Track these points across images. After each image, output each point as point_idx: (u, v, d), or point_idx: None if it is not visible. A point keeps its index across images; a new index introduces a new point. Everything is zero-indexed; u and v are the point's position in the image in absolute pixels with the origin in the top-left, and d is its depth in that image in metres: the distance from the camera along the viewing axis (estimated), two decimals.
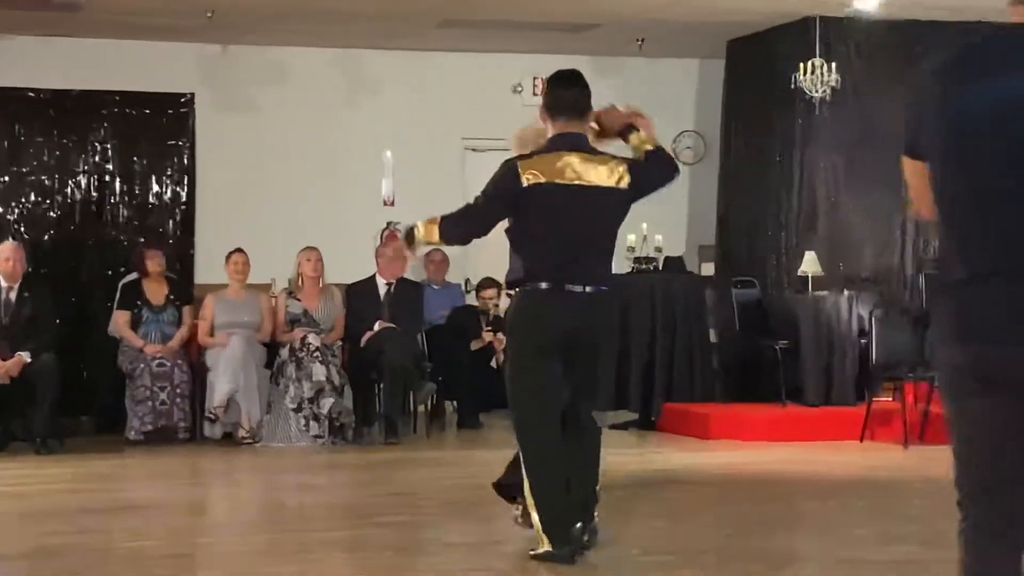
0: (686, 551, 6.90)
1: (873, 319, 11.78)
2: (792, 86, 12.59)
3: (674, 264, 13.52)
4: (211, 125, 14.14)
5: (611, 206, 6.53)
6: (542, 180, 6.43)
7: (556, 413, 6.53)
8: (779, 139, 13.59)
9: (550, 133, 6.62)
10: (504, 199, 6.50)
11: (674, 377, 12.74)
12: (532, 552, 6.55)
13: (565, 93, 6.66)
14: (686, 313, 12.85)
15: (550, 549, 6.47)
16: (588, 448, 6.65)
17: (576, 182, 6.45)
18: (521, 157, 6.58)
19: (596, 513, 6.70)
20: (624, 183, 6.52)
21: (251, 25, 13.31)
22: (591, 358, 6.55)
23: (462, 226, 6.64)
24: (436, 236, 6.65)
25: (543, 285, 6.44)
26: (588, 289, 6.45)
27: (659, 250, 13.36)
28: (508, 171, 6.50)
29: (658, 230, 13.40)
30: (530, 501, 6.52)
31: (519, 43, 14.25)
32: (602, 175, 6.50)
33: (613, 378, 6.86)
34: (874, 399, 11.87)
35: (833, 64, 12.55)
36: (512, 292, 6.65)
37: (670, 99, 14.99)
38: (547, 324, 6.45)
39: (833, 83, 12.49)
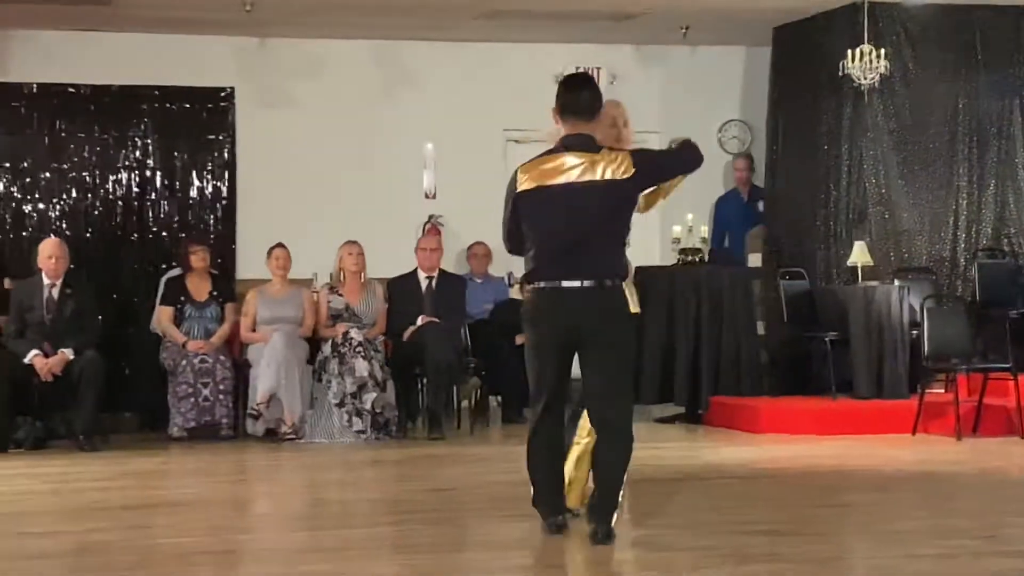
0: (735, 545, 6.78)
1: (925, 310, 11.59)
2: (840, 73, 12.40)
3: (720, 255, 13.36)
4: (251, 119, 14.09)
5: (611, 200, 6.67)
6: (531, 186, 6.71)
7: (555, 407, 6.78)
8: (827, 128, 13.40)
9: (561, 134, 6.86)
10: (509, 204, 6.83)
11: (721, 370, 12.60)
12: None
13: (571, 95, 6.83)
14: (733, 305, 12.70)
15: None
16: (604, 449, 6.71)
17: (567, 181, 6.66)
18: (528, 162, 6.85)
19: (615, 518, 6.71)
20: (625, 174, 6.65)
21: (289, 18, 13.24)
22: (600, 355, 6.65)
23: (506, 241, 6.95)
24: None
25: (541, 284, 6.71)
26: (587, 284, 6.62)
27: (705, 241, 13.21)
28: (511, 177, 6.84)
29: (704, 220, 13.27)
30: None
31: (561, 33, 14.12)
32: (601, 171, 6.65)
33: (629, 375, 6.76)
34: (926, 391, 11.67)
35: (882, 51, 12.35)
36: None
37: (715, 88, 14.84)
38: (546, 322, 6.69)
39: (882, 70, 12.29)
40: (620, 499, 6.78)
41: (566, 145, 6.74)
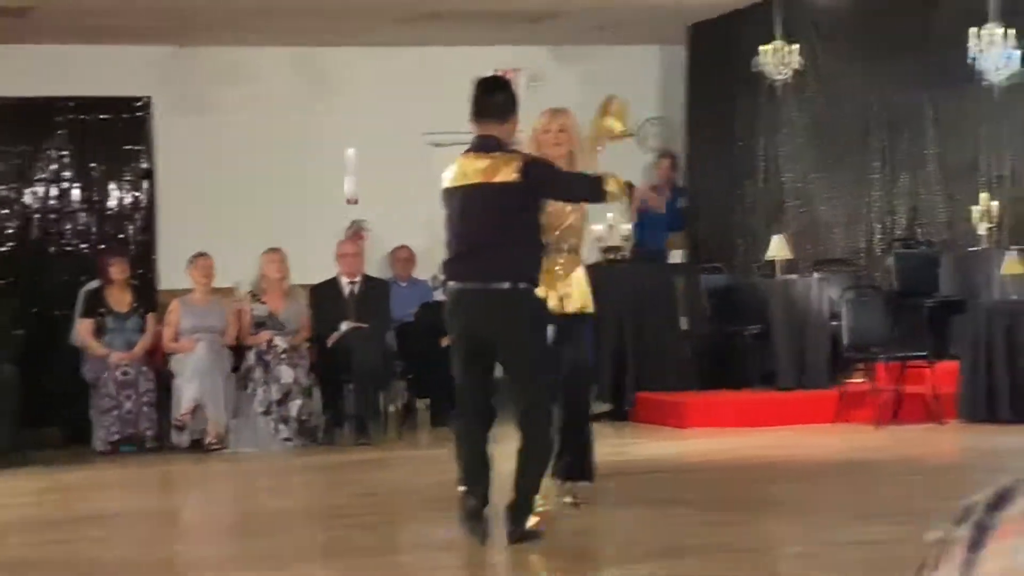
0: (667, 539, 6.83)
1: (843, 301, 11.72)
2: (754, 69, 12.52)
3: (642, 252, 13.43)
4: (169, 128, 14.01)
5: (500, 202, 6.71)
6: (446, 185, 6.88)
7: (469, 406, 6.83)
8: (743, 123, 13.53)
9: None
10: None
11: (646, 366, 12.67)
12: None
13: (479, 98, 6.95)
14: (656, 301, 12.77)
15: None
16: (519, 452, 6.71)
17: (466, 183, 6.77)
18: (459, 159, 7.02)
19: (528, 521, 6.70)
20: (512, 177, 6.69)
21: (206, 25, 13.18)
22: (505, 358, 6.76)
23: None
24: None
25: (451, 284, 6.84)
26: (483, 286, 6.68)
27: (627, 239, 13.27)
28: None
29: (626, 219, 13.30)
30: None
31: (480, 36, 14.15)
32: (495, 172, 6.72)
33: (538, 378, 6.77)
34: (846, 381, 11.81)
35: (795, 46, 12.49)
36: None
37: (633, 86, 14.86)
38: (457, 322, 6.81)
39: (795, 65, 12.42)
40: (537, 500, 6.75)
41: (474, 147, 6.87)
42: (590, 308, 7.46)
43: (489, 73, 14.38)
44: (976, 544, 0.65)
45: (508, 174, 6.67)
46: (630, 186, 7.02)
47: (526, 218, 6.77)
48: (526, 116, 15.06)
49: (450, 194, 6.85)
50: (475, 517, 6.73)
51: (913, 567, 0.75)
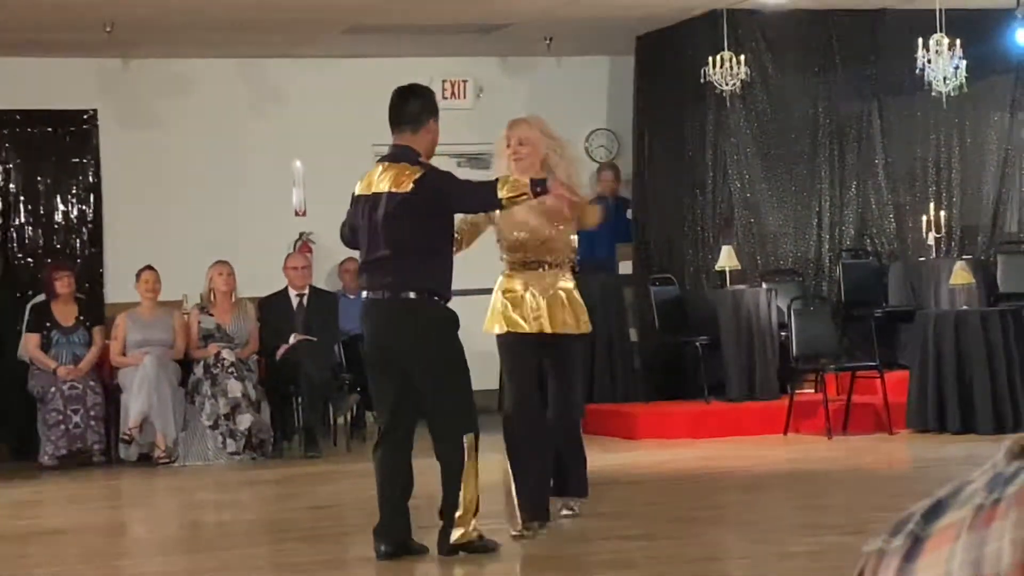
0: (614, 550, 6.82)
1: (792, 311, 11.76)
2: (702, 80, 12.55)
3: (591, 263, 13.43)
4: (115, 141, 13.92)
5: (400, 212, 6.61)
6: (356, 193, 6.87)
7: (394, 427, 6.70)
8: (691, 134, 13.55)
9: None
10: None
11: (596, 378, 12.67)
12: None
13: (393, 106, 6.91)
14: (605, 312, 12.77)
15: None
16: (441, 468, 6.66)
17: (372, 192, 6.74)
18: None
19: (453, 535, 6.61)
20: (408, 188, 6.61)
21: (151, 38, 13.10)
22: (416, 371, 6.60)
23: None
24: None
25: (364, 294, 6.82)
26: (387, 295, 6.61)
27: (575, 251, 13.25)
28: None
29: (572, 231, 13.30)
30: None
31: (427, 47, 14.13)
32: (397, 183, 6.66)
33: (449, 389, 6.65)
34: (796, 392, 11.84)
35: (742, 57, 12.53)
36: None
37: (581, 98, 14.93)
38: (369, 333, 6.77)
39: (743, 76, 12.46)
40: (461, 514, 6.59)
41: (386, 156, 6.85)
42: (578, 328, 7.28)
43: (437, 84, 14.42)
44: (911, 554, 0.64)
45: (406, 186, 6.62)
46: (539, 184, 6.57)
47: (427, 230, 6.63)
48: (474, 127, 15.14)
49: (356, 203, 6.84)
50: (395, 557, 6.65)
51: None
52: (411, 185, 6.60)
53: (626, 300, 13.25)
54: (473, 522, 6.63)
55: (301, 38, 13.49)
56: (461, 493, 6.56)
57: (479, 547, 6.67)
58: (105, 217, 13.92)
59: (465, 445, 6.57)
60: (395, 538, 6.70)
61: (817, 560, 6.39)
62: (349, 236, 6.99)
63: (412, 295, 6.56)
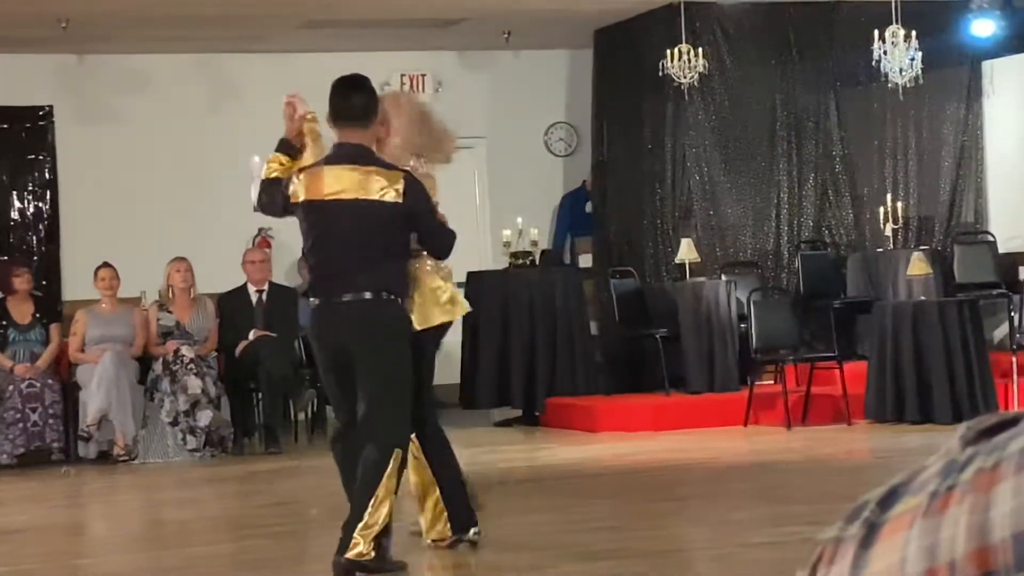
0: (579, 544, 6.83)
1: (751, 303, 11.79)
2: (660, 73, 12.57)
3: (551, 257, 13.47)
4: (72, 137, 13.84)
5: (379, 219, 6.24)
6: (302, 199, 6.30)
7: (343, 426, 6.41)
8: (650, 127, 13.58)
9: (335, 140, 6.45)
10: (279, 190, 6.41)
11: (557, 371, 12.68)
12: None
13: (342, 100, 6.43)
14: (565, 306, 12.79)
15: None
16: (361, 473, 6.20)
17: (338, 197, 6.24)
18: (308, 167, 6.40)
19: (351, 551, 6.18)
20: (392, 197, 6.22)
21: (107, 33, 13.03)
22: (363, 373, 6.22)
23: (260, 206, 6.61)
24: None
25: (314, 301, 6.38)
26: (348, 298, 6.21)
27: (535, 243, 13.30)
28: (288, 177, 6.40)
29: (534, 223, 13.35)
30: None
31: (385, 41, 14.10)
32: (370, 188, 6.23)
33: (400, 396, 6.30)
34: (756, 383, 11.89)
35: (700, 49, 12.56)
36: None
37: (540, 92, 14.94)
38: (320, 340, 6.37)
39: (701, 68, 12.49)
40: (365, 528, 6.14)
41: (339, 156, 6.33)
42: (422, 323, 6.63)
43: (396, 79, 14.40)
44: (867, 542, 0.64)
45: (389, 193, 6.21)
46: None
47: (401, 238, 6.35)
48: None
49: (315, 208, 6.29)
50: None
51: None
52: (399, 197, 6.20)
53: (586, 293, 13.27)
54: (374, 542, 6.13)
55: (258, 33, 13.44)
56: (371, 506, 6.12)
57: (376, 568, 6.19)
58: (62, 214, 13.85)
59: (392, 459, 6.18)
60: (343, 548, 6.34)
61: (779, 550, 6.42)
62: (267, 203, 6.49)
63: (370, 295, 6.22)
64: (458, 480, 6.72)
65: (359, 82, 6.58)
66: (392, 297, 6.32)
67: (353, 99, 6.41)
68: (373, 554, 6.09)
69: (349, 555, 6.10)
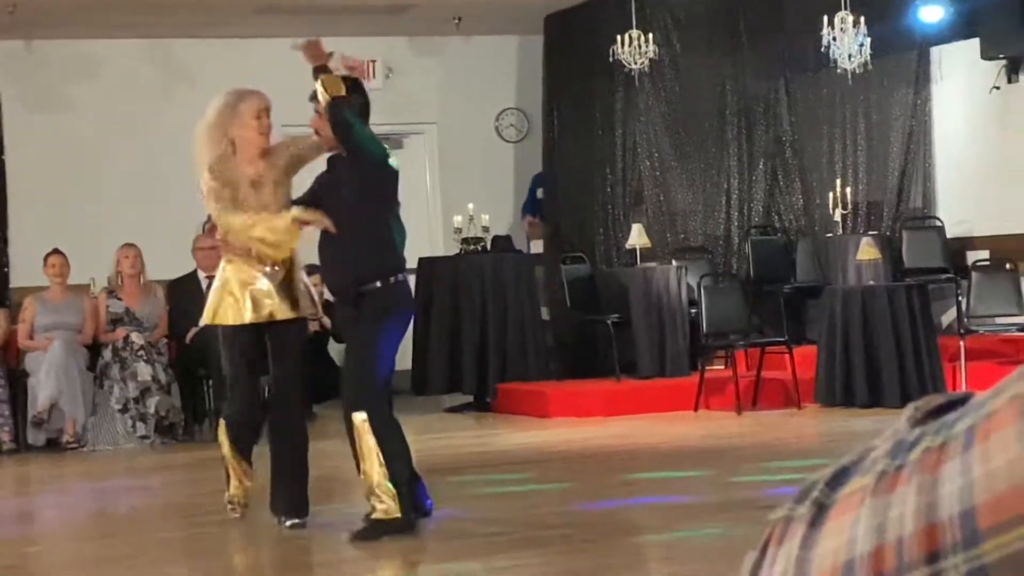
0: (530, 529, 6.84)
1: (702, 288, 11.84)
2: (611, 59, 12.58)
3: (502, 243, 13.47)
4: (20, 123, 13.74)
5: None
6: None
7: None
8: (601, 113, 13.60)
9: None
10: None
11: (508, 357, 12.70)
12: None
13: None
14: (517, 292, 12.80)
15: None
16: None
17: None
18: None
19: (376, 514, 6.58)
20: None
21: (56, 19, 12.93)
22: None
23: None
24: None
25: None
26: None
27: (486, 229, 13.29)
28: None
29: (485, 209, 13.34)
30: None
31: (337, 27, 14.03)
32: None
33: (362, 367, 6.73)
34: (706, 368, 11.93)
35: (650, 35, 12.57)
36: None
37: (491, 77, 14.93)
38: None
39: (651, 54, 12.50)
40: (372, 491, 6.64)
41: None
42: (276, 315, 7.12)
43: (335, 61, 14.31)
44: (816, 521, 0.65)
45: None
46: None
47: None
48: (383, 108, 15.01)
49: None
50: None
51: None
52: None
53: (537, 279, 13.28)
54: (387, 498, 6.56)
55: (211, 18, 13.38)
56: (364, 467, 6.57)
57: (394, 527, 6.59)
58: (10, 200, 13.74)
59: (356, 423, 6.55)
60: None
61: (731, 534, 6.45)
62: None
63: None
64: (296, 465, 6.92)
65: None
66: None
67: None
68: (394, 510, 6.55)
69: (374, 516, 6.55)
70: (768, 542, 0.68)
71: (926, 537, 0.61)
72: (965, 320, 11.71)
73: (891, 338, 11.03)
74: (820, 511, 0.66)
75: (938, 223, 12.85)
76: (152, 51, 14.09)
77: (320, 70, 6.75)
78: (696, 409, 11.70)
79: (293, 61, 14.71)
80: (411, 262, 13.17)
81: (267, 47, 14.34)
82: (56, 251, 12.14)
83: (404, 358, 13.14)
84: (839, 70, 11.85)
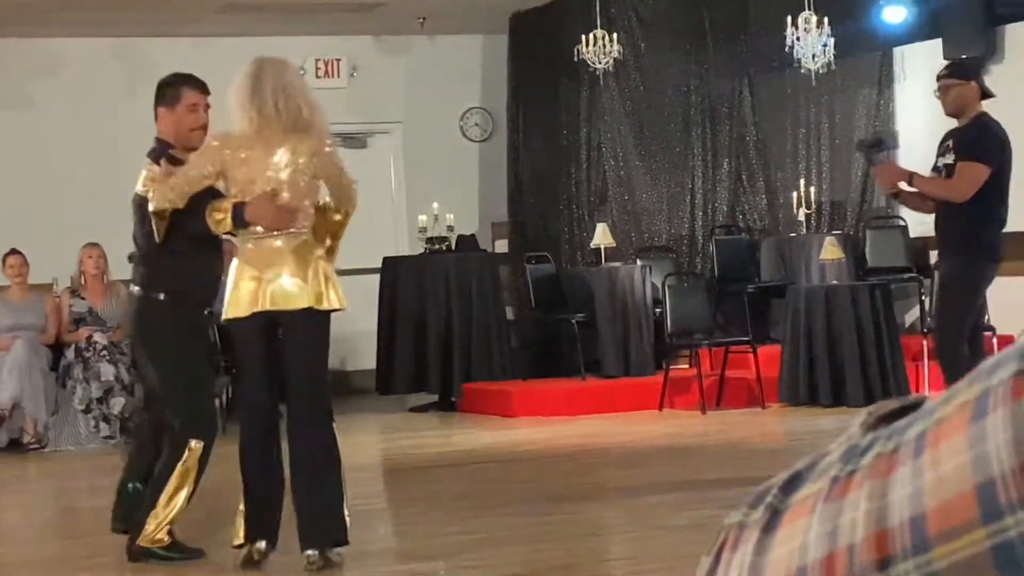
0: (494, 527, 6.84)
1: (666, 287, 11.86)
2: (576, 58, 12.59)
3: (467, 243, 13.47)
4: None
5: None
6: None
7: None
8: (565, 112, 13.61)
9: None
10: None
11: (473, 356, 12.69)
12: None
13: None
14: (481, 291, 12.80)
15: None
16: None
17: None
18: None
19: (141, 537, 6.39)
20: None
21: (21, 16, 12.86)
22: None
23: None
24: None
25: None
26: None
27: (451, 229, 13.29)
28: None
29: (449, 209, 13.33)
30: None
31: (302, 26, 14.03)
32: None
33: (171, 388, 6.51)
34: (671, 367, 11.95)
35: (615, 35, 12.59)
36: None
37: (456, 76, 14.92)
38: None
39: (616, 54, 12.52)
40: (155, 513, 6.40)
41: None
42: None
43: (310, 62, 14.31)
44: (769, 526, 0.65)
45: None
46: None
47: (137, 225, 6.98)
48: (348, 107, 15.02)
49: None
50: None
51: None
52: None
53: (502, 278, 13.28)
54: (165, 527, 6.33)
55: (176, 17, 13.33)
56: (164, 493, 6.31)
57: (163, 555, 6.35)
58: None
59: (187, 451, 6.37)
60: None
61: (695, 533, 6.46)
62: None
63: (138, 288, 6.69)
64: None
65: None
66: (137, 291, 6.62)
67: None
68: (163, 539, 6.31)
69: (138, 541, 6.30)
70: (722, 547, 0.68)
71: (877, 543, 0.61)
72: (928, 319, 11.76)
73: (854, 337, 11.07)
74: (774, 516, 0.66)
75: (901, 223, 12.90)
76: (118, 50, 14.03)
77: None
78: (661, 408, 11.72)
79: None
80: (375, 261, 13.22)
81: (233, 45, 14.30)
82: (13, 251, 12.07)
83: (369, 358, 13.14)
84: (803, 70, 11.89)
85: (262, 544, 6.23)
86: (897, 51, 13.03)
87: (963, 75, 7.94)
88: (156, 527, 6.29)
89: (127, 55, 14.06)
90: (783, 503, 0.66)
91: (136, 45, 14.07)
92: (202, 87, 6.86)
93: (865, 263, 12.71)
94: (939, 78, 8.01)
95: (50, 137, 13.86)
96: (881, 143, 9.39)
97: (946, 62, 12.15)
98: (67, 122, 13.88)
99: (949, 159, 7.80)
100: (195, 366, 6.56)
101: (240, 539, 6.26)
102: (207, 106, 6.91)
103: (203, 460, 6.43)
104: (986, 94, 7.94)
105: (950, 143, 7.87)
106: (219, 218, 6.14)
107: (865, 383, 10.96)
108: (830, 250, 11.63)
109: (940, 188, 7.82)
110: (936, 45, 12.11)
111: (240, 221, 6.09)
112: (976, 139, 7.73)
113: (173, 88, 6.77)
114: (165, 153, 6.60)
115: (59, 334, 11.85)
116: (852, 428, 0.67)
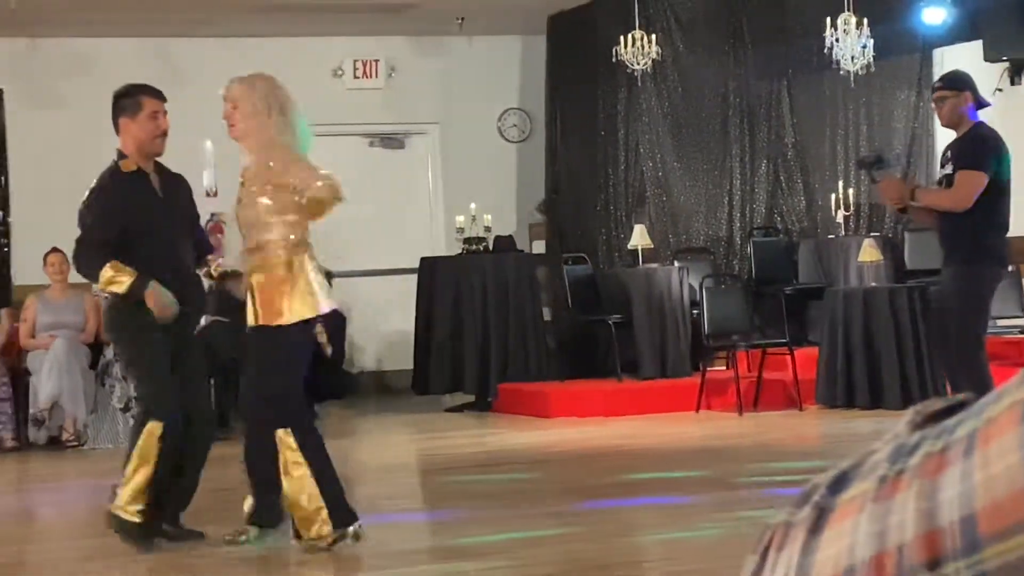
0: (528, 528, 6.84)
1: (703, 289, 11.83)
2: (614, 60, 12.58)
3: (504, 243, 13.47)
4: (22, 122, 13.75)
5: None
6: None
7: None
8: (603, 113, 13.60)
9: None
10: None
11: (509, 357, 12.70)
12: None
13: None
14: (518, 292, 12.80)
15: None
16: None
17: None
18: None
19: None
20: None
21: (57, 17, 12.94)
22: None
23: None
24: None
25: None
26: None
27: (488, 229, 13.29)
28: None
29: (487, 210, 13.33)
30: None
31: (338, 26, 14.06)
32: None
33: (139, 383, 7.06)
34: (708, 369, 11.92)
35: (654, 36, 12.57)
36: None
37: (493, 77, 14.93)
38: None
39: (654, 55, 12.50)
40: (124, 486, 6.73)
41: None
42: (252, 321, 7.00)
43: (348, 63, 14.33)
44: (816, 527, 0.64)
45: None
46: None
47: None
48: (385, 107, 15.02)
49: None
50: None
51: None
52: None
53: (539, 279, 13.28)
54: (136, 505, 6.65)
55: (210, 17, 13.38)
56: (129, 466, 6.70)
57: (129, 530, 6.64)
58: (12, 198, 13.75)
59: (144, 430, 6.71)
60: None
61: (731, 535, 6.45)
62: None
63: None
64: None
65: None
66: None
67: None
68: (133, 516, 6.63)
69: (110, 508, 6.68)
70: (768, 547, 0.68)
71: (927, 543, 0.60)
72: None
73: (892, 340, 11.02)
74: (820, 516, 0.65)
75: None
76: (152, 49, 14.09)
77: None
78: (697, 410, 11.69)
79: (291, 59, 14.76)
80: (413, 262, 13.24)
81: (264, 46, 14.36)
82: (55, 250, 12.13)
83: (406, 358, 13.16)
84: (842, 72, 11.84)
85: (354, 526, 6.39)
86: (937, 53, 12.97)
87: (956, 87, 8.07)
88: (127, 499, 6.65)
89: (158, 54, 14.13)
90: (830, 502, 0.65)
91: (169, 45, 14.13)
92: (159, 95, 7.24)
93: (904, 265, 12.65)
94: (934, 90, 8.21)
95: (86, 136, 13.90)
96: (881, 160, 9.48)
97: (986, 64, 12.12)
98: (102, 121, 13.88)
99: (949, 170, 7.96)
100: (154, 355, 6.93)
101: (329, 530, 6.39)
102: (165, 112, 7.34)
103: (162, 442, 6.74)
104: (981, 104, 8.06)
105: (949, 154, 8.05)
106: (119, 280, 6.90)
107: (903, 386, 10.91)
108: (869, 252, 11.58)
109: (941, 199, 7.99)
110: (976, 47, 12.05)
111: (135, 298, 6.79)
112: (971, 148, 7.89)
113: (132, 98, 6.99)
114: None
115: (98, 333, 11.90)
116: (899, 427, 0.66)
